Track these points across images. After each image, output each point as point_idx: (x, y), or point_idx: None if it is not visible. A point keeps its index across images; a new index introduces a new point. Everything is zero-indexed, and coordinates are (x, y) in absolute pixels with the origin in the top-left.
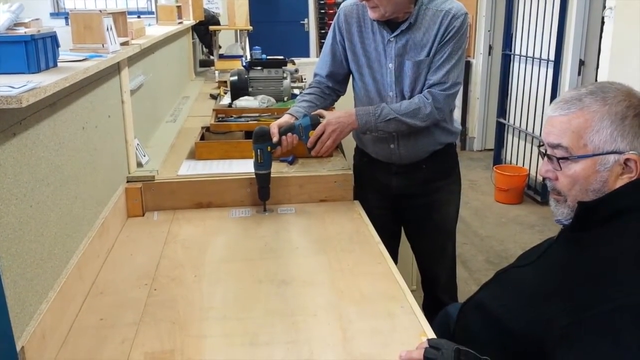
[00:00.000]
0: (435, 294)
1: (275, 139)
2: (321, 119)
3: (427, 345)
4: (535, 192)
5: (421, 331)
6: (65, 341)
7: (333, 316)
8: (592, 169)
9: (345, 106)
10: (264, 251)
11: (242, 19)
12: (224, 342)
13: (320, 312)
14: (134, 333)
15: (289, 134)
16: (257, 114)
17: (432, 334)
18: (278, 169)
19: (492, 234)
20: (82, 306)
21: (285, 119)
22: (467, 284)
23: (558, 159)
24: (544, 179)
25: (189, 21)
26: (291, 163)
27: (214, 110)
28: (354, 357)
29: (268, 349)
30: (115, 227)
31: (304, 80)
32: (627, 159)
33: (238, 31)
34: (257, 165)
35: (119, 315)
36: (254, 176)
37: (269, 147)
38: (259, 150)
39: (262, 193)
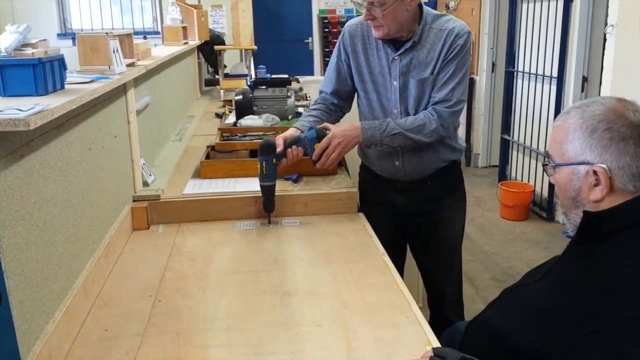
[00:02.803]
0: (441, 312)
1: (279, 149)
2: (327, 132)
3: (432, 354)
4: (541, 209)
5: (426, 341)
6: (69, 352)
7: (337, 326)
8: (568, 178)
9: (350, 122)
10: (268, 262)
11: (247, 39)
12: (228, 353)
13: (325, 323)
14: (138, 344)
15: (294, 147)
16: (261, 133)
17: (437, 344)
18: (283, 187)
19: (498, 251)
20: (86, 318)
21: (291, 132)
22: (474, 302)
23: (543, 165)
24: None
25: (195, 41)
26: (296, 181)
27: (219, 129)
28: None
29: (272, 359)
30: (120, 242)
31: (308, 99)
32: (596, 171)
33: (243, 51)
34: (262, 177)
35: (124, 327)
36: (259, 193)
37: (274, 160)
38: (264, 163)
39: (266, 205)
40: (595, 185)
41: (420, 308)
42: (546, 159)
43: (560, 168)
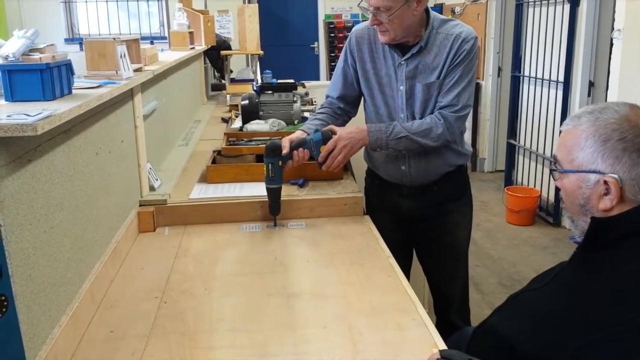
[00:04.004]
0: (448, 317)
1: (285, 151)
2: (332, 135)
3: (439, 357)
4: (547, 214)
5: (432, 343)
6: (75, 353)
7: (343, 328)
8: (577, 185)
9: (356, 125)
10: (274, 265)
11: (253, 44)
12: (233, 354)
13: (330, 324)
14: (143, 345)
15: (301, 149)
16: (267, 138)
17: (443, 347)
18: (289, 192)
19: (504, 256)
20: (92, 319)
21: (297, 134)
22: (480, 307)
23: (551, 169)
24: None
25: (201, 46)
26: (301, 186)
27: (225, 133)
28: None
29: None
30: (127, 246)
31: (314, 104)
32: (607, 181)
33: (249, 55)
34: (268, 180)
35: (129, 328)
36: (265, 198)
37: (280, 162)
38: (270, 165)
39: (272, 208)
40: (605, 194)
41: (426, 313)
42: (553, 163)
43: (569, 174)
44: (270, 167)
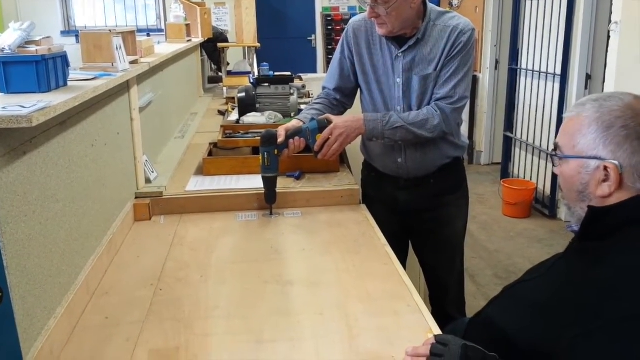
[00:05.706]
0: (443, 309)
1: (281, 139)
2: (329, 123)
3: (434, 341)
4: (544, 206)
5: (428, 329)
6: (69, 339)
7: (339, 315)
8: (576, 171)
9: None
10: (270, 253)
11: (250, 36)
12: (229, 340)
13: (326, 311)
14: (138, 331)
15: (297, 138)
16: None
17: (438, 332)
18: (285, 185)
19: (500, 248)
20: (87, 305)
21: (293, 123)
22: (476, 299)
23: (551, 155)
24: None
25: (198, 39)
26: (298, 178)
27: (221, 126)
28: (360, 354)
29: (273, 346)
30: (122, 237)
31: (311, 96)
32: (607, 167)
33: (246, 48)
34: (264, 169)
35: (124, 315)
36: (261, 190)
37: (275, 151)
38: (266, 154)
39: (268, 196)
40: (604, 181)
41: (421, 299)
42: (554, 149)
43: (569, 160)
44: (266, 156)
